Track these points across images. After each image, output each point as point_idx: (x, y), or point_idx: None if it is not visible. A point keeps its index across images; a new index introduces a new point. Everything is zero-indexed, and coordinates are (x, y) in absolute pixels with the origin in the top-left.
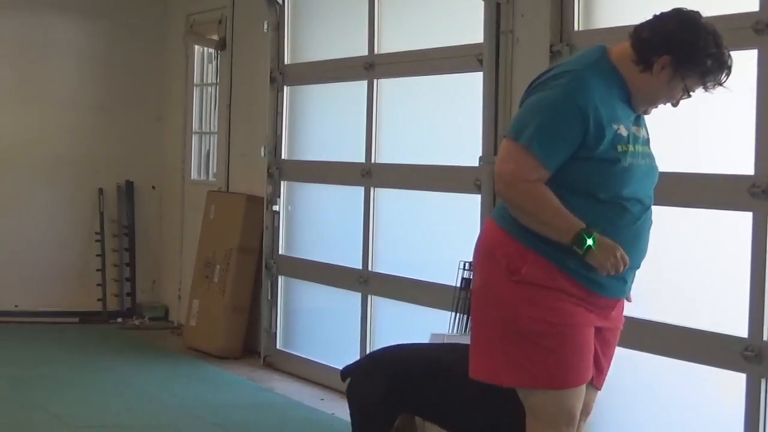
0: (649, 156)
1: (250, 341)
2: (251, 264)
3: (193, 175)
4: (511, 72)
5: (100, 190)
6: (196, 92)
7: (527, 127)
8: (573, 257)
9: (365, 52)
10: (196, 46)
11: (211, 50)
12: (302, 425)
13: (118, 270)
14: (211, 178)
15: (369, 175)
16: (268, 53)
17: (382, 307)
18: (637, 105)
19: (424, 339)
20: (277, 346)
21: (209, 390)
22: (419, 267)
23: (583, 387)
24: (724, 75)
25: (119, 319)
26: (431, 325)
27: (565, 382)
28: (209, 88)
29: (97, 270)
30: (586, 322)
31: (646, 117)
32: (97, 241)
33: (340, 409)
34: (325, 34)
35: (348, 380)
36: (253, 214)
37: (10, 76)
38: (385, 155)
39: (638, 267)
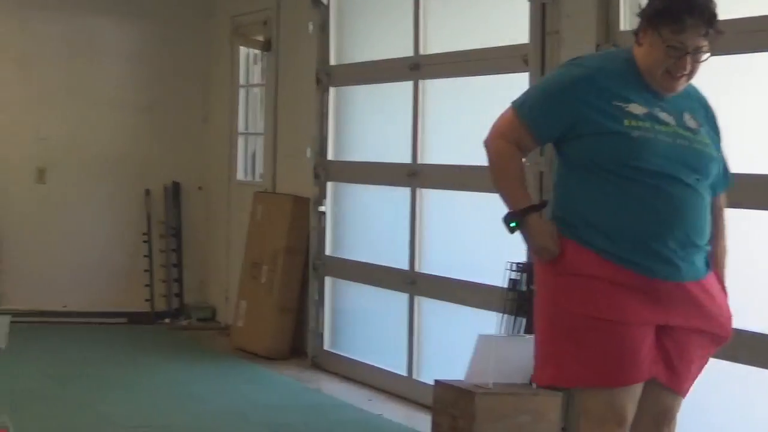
0: (691, 139)
1: (298, 342)
2: (298, 265)
3: (239, 176)
4: None
5: (147, 191)
6: (241, 93)
7: (524, 95)
8: (597, 233)
9: (411, 53)
10: (242, 48)
11: (257, 51)
12: (349, 426)
13: (166, 271)
14: (257, 178)
15: (415, 175)
16: (314, 54)
17: (429, 308)
18: (655, 86)
19: (472, 340)
20: (325, 347)
21: (256, 391)
22: (466, 268)
23: (635, 387)
24: (688, 12)
25: (167, 320)
26: (479, 327)
27: (612, 380)
28: (255, 89)
29: (145, 271)
30: (637, 321)
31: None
32: (144, 242)
33: (387, 410)
34: (370, 34)
35: None
36: (299, 215)
37: (58, 77)
38: (431, 156)
39: (693, 245)
